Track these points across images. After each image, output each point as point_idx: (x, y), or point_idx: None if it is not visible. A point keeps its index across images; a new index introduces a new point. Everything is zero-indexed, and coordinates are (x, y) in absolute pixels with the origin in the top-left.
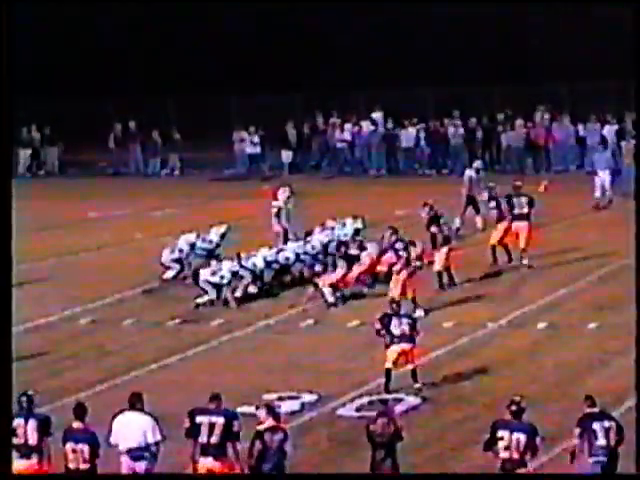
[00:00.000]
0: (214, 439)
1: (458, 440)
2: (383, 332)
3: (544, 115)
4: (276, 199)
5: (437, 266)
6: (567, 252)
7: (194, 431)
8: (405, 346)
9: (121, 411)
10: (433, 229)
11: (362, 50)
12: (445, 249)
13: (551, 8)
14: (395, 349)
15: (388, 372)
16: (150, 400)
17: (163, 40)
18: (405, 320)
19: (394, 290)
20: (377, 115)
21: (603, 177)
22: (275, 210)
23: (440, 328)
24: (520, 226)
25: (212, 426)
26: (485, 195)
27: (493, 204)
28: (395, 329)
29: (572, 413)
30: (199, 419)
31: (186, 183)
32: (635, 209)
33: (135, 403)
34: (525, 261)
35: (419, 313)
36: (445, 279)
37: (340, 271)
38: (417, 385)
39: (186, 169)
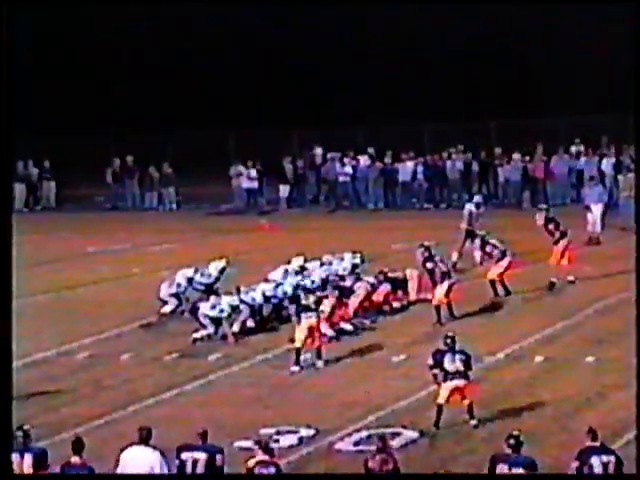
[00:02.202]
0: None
1: (457, 475)
2: (436, 370)
3: (541, 149)
4: None
5: (435, 301)
6: (564, 285)
7: (180, 467)
8: (459, 383)
9: (129, 445)
10: (429, 265)
11: (359, 85)
12: (446, 284)
13: (550, 42)
14: (449, 386)
15: (440, 408)
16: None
17: (162, 75)
18: (458, 357)
19: None
20: (371, 151)
21: (596, 212)
22: None
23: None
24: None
25: (195, 462)
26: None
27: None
28: (449, 365)
29: (571, 447)
30: (184, 455)
31: (184, 218)
32: (636, 242)
33: (145, 437)
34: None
35: None
36: (444, 312)
37: (331, 301)
38: (473, 422)
39: (184, 204)
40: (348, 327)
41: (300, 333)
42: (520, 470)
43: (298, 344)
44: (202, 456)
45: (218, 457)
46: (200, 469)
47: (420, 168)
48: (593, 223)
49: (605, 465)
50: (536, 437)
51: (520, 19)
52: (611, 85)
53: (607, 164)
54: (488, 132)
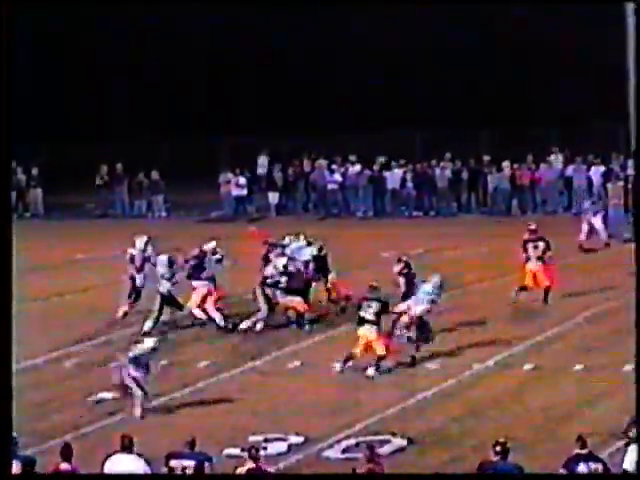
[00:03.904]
0: None
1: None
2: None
3: (531, 157)
4: (134, 246)
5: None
6: (554, 293)
7: (169, 475)
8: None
9: (113, 453)
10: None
11: (349, 93)
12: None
13: (539, 52)
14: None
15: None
16: (137, 442)
17: (150, 83)
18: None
19: None
20: (353, 158)
21: (595, 223)
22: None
23: (426, 370)
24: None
25: (184, 470)
26: None
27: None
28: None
29: (559, 454)
30: (172, 463)
31: (173, 225)
32: (636, 243)
33: (127, 445)
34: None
35: None
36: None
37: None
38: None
39: (173, 211)
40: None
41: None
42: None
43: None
44: (190, 464)
45: (206, 465)
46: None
47: (409, 176)
48: (587, 232)
49: (589, 472)
50: (525, 445)
51: (508, 27)
52: (599, 95)
53: (596, 172)
54: (477, 140)
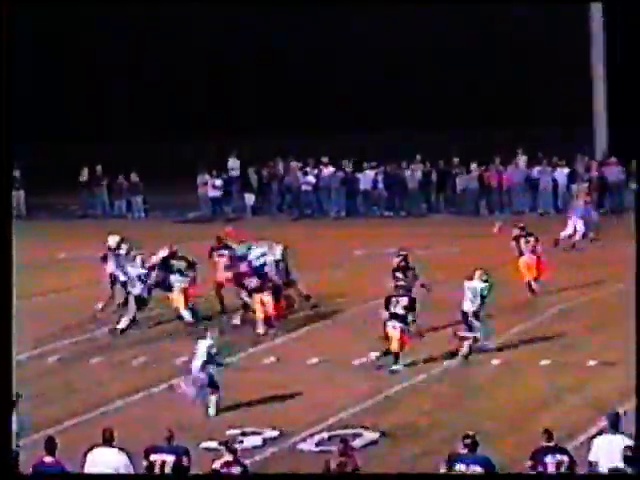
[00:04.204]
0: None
1: (416, 474)
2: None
3: (498, 159)
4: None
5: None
6: (521, 291)
7: (148, 469)
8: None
9: (94, 446)
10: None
11: (323, 96)
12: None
13: (507, 56)
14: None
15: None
16: (117, 436)
17: (150, 83)
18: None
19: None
20: (325, 159)
21: (579, 226)
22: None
23: (397, 365)
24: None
25: (163, 464)
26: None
27: None
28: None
29: (526, 447)
30: (152, 457)
31: (152, 225)
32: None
33: (108, 439)
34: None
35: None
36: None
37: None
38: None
39: (152, 211)
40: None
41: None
42: (477, 468)
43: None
44: (170, 458)
45: (184, 459)
46: (168, 470)
47: (381, 177)
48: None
49: (558, 464)
50: (493, 437)
51: (478, 31)
52: (565, 99)
53: (560, 174)
54: (447, 142)
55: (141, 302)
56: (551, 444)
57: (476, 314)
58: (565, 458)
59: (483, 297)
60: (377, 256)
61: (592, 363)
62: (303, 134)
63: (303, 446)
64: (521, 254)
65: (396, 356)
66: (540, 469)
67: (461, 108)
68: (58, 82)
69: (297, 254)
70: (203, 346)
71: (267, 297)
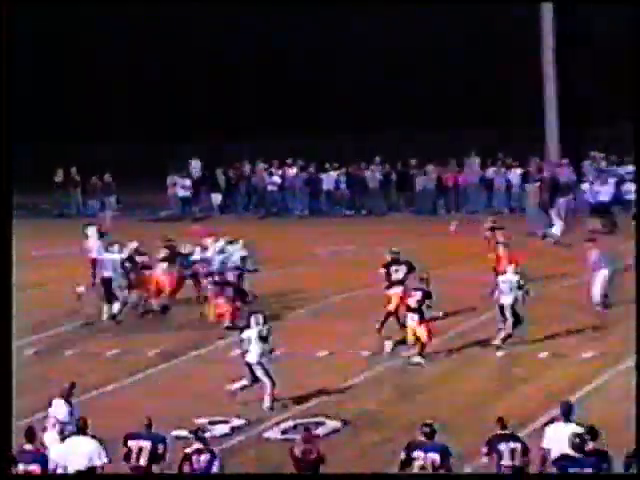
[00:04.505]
0: (142, 461)
1: (377, 461)
2: None
3: (454, 160)
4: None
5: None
6: (475, 284)
7: (127, 454)
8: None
9: (69, 435)
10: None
11: (321, 96)
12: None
13: (460, 58)
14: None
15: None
16: (92, 425)
17: (131, 87)
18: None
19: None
20: (289, 161)
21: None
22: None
23: (359, 356)
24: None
25: (140, 449)
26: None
27: None
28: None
29: (481, 434)
30: (130, 443)
31: (124, 223)
32: (636, 241)
33: (82, 427)
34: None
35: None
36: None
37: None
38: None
39: (124, 211)
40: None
41: None
42: (435, 455)
43: None
44: (146, 444)
45: (160, 446)
46: (145, 456)
47: (343, 177)
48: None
49: (512, 451)
50: (451, 426)
51: (438, 34)
52: (518, 101)
53: (514, 174)
54: (406, 145)
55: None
56: (505, 432)
57: (512, 307)
58: (518, 445)
59: (518, 289)
60: (339, 253)
61: (542, 355)
62: (303, 134)
63: (269, 434)
64: (495, 245)
65: (422, 348)
66: (494, 456)
67: (461, 108)
68: (58, 82)
69: (262, 251)
70: (254, 333)
71: (221, 300)
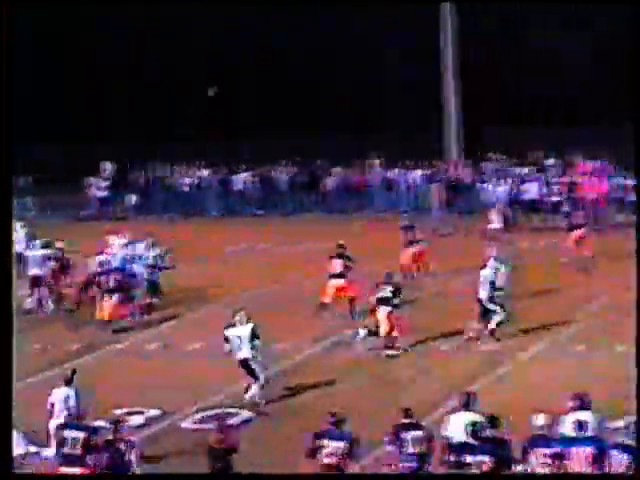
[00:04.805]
0: (77, 451)
1: (289, 449)
2: None
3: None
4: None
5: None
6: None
7: (60, 444)
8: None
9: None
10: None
11: (321, 96)
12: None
13: (363, 63)
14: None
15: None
16: (15, 416)
17: (131, 88)
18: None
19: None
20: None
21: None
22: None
23: (276, 348)
24: None
25: (74, 440)
26: None
27: None
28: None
29: (387, 423)
30: (65, 433)
31: (43, 224)
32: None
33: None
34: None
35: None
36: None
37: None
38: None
39: (41, 211)
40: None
41: None
42: (340, 444)
43: None
44: (81, 434)
45: (94, 437)
46: (78, 446)
47: (254, 179)
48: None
49: (415, 439)
50: (359, 415)
51: (350, 39)
52: (418, 102)
53: (415, 175)
54: (317, 147)
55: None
56: (409, 421)
57: (491, 299)
58: (421, 433)
59: (492, 283)
60: (251, 251)
61: (444, 347)
62: (303, 134)
63: (184, 424)
64: (410, 243)
65: (392, 341)
66: (397, 443)
67: (365, 111)
68: (58, 82)
69: (179, 249)
70: (245, 331)
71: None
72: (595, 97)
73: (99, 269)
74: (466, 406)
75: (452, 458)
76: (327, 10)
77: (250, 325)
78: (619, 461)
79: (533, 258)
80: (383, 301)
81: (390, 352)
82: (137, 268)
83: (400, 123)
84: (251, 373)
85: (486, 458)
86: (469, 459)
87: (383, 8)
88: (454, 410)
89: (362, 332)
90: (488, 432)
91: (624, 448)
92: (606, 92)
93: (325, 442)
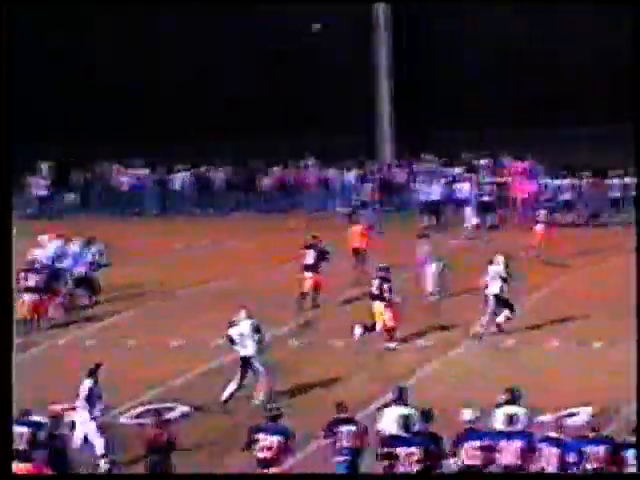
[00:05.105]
0: (23, 446)
1: (227, 443)
2: None
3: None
4: None
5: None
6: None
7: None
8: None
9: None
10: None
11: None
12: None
13: (291, 68)
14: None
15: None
16: None
17: (131, 87)
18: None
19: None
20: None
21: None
22: None
23: (207, 347)
24: None
25: (21, 435)
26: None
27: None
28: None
29: (323, 417)
30: (17, 429)
31: None
32: (636, 241)
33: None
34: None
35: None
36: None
37: None
38: None
39: None
40: None
41: None
42: (275, 438)
43: None
44: (25, 430)
45: (41, 433)
46: (25, 441)
47: (191, 179)
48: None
49: (349, 433)
50: (297, 409)
51: (286, 39)
52: (352, 104)
53: (350, 175)
54: (253, 148)
55: None
56: (343, 415)
57: (497, 296)
58: (354, 428)
59: (503, 279)
60: (187, 250)
61: (389, 345)
62: (240, 135)
63: (122, 419)
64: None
65: (390, 332)
66: (332, 438)
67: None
68: (58, 82)
69: (118, 248)
70: (246, 327)
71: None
72: (521, 99)
73: (23, 267)
74: (399, 400)
75: (383, 450)
76: (256, 11)
77: (250, 321)
78: (548, 454)
79: (466, 256)
80: (375, 297)
81: (390, 345)
82: (66, 265)
83: (336, 123)
84: (252, 371)
85: (416, 450)
86: (399, 451)
87: (318, 7)
88: (388, 404)
89: (358, 330)
90: (420, 426)
91: (553, 441)
92: (535, 94)
93: (261, 436)
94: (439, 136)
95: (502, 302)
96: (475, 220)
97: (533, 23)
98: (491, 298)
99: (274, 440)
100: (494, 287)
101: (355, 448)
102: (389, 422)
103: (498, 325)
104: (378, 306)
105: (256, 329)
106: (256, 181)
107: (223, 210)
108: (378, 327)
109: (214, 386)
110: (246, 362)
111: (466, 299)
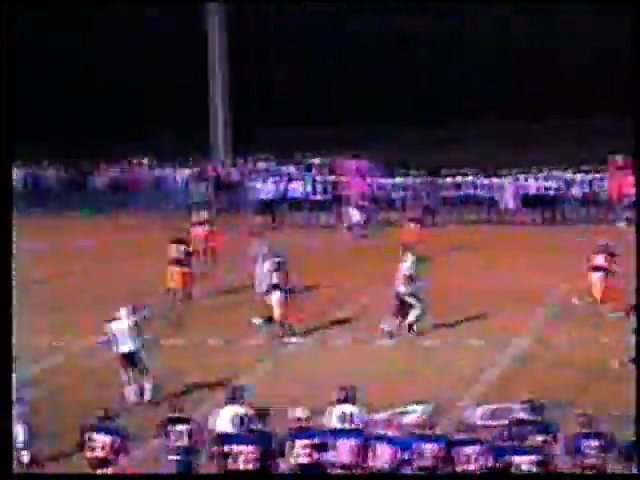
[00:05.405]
0: None
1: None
2: None
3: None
4: None
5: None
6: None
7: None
8: None
9: None
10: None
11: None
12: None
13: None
14: None
15: None
16: None
17: (131, 87)
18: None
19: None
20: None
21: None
22: None
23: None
24: None
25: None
26: None
27: None
28: None
29: (158, 417)
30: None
31: None
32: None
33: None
34: None
35: None
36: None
37: None
38: None
39: None
40: None
41: None
42: (108, 437)
43: None
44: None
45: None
46: None
47: (26, 177)
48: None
49: (182, 432)
50: (131, 408)
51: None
52: (194, 105)
53: (182, 173)
54: (86, 148)
55: None
56: (176, 415)
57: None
58: (186, 427)
59: (411, 277)
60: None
61: (213, 342)
62: (72, 134)
63: None
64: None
65: (281, 325)
66: (163, 437)
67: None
68: (58, 82)
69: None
70: (125, 324)
71: None
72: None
73: None
74: (233, 399)
75: (216, 449)
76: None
77: (132, 318)
78: (381, 452)
79: (308, 253)
80: (275, 287)
81: (286, 338)
82: None
83: (172, 121)
84: (137, 366)
85: (249, 448)
86: (230, 448)
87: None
88: (224, 404)
89: (257, 321)
90: (255, 424)
91: (387, 440)
92: (535, 93)
93: (93, 436)
94: (274, 135)
95: (408, 302)
96: (355, 218)
97: (533, 23)
98: (397, 296)
99: (107, 440)
100: (400, 286)
101: (186, 447)
102: (223, 421)
103: (409, 326)
104: (275, 296)
105: (138, 327)
106: (88, 180)
107: (54, 210)
108: (275, 316)
109: (48, 385)
110: (129, 358)
111: (307, 295)
